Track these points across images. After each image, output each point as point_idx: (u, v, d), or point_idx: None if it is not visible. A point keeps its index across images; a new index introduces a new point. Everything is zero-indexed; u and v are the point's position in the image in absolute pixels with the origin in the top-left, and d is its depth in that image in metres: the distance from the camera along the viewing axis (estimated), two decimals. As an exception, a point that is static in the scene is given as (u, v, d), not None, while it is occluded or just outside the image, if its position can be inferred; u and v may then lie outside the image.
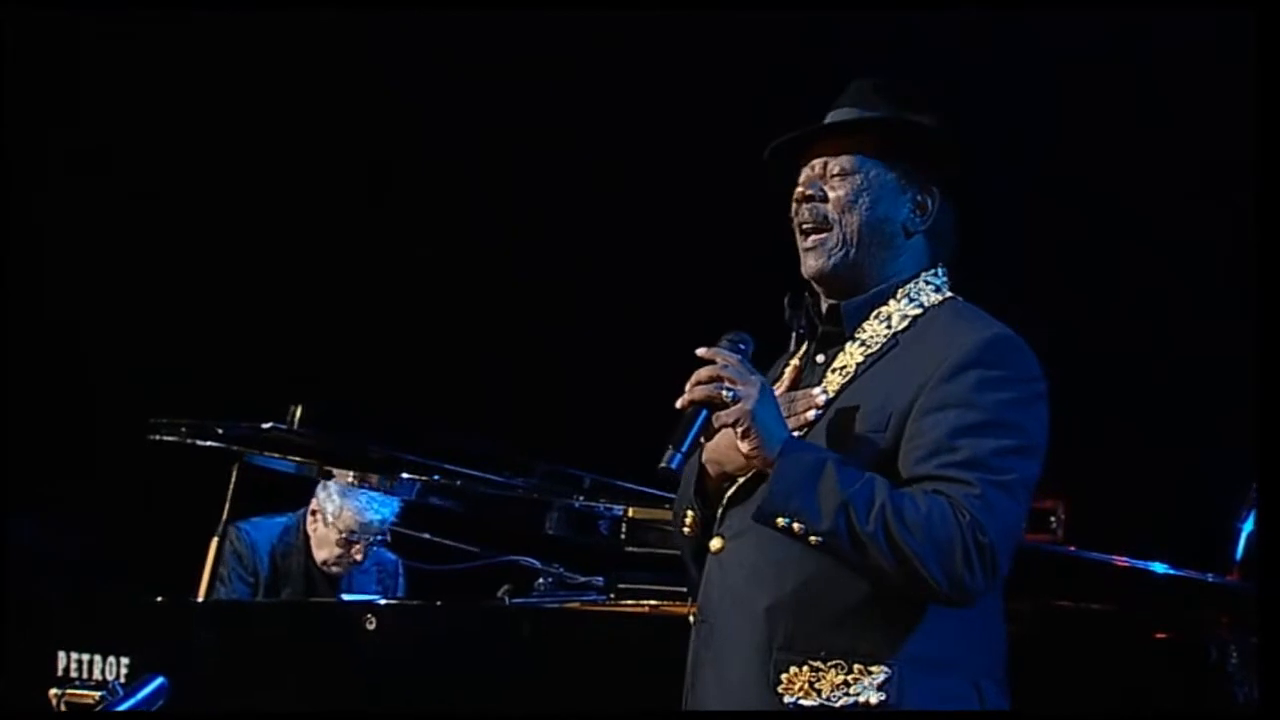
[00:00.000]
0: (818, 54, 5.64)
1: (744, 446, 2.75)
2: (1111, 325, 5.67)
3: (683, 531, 3.01)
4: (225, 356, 6.64)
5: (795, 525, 2.69)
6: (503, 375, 6.46)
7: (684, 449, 2.73)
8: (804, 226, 2.93)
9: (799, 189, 2.94)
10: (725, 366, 2.76)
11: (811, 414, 2.84)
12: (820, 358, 2.94)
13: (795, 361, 3.02)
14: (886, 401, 2.78)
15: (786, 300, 2.97)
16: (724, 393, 2.74)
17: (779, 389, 2.94)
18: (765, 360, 2.98)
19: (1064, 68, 5.82)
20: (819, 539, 2.69)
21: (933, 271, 2.94)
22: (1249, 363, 3.33)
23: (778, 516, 2.71)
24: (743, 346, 2.84)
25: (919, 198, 2.92)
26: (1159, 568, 4.33)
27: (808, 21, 5.93)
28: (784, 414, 2.82)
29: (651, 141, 6.19)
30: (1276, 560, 3.22)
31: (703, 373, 2.77)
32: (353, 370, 6.51)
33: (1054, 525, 4.63)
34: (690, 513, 2.98)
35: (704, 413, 2.76)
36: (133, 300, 6.78)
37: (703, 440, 2.80)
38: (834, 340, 2.92)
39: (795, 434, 2.81)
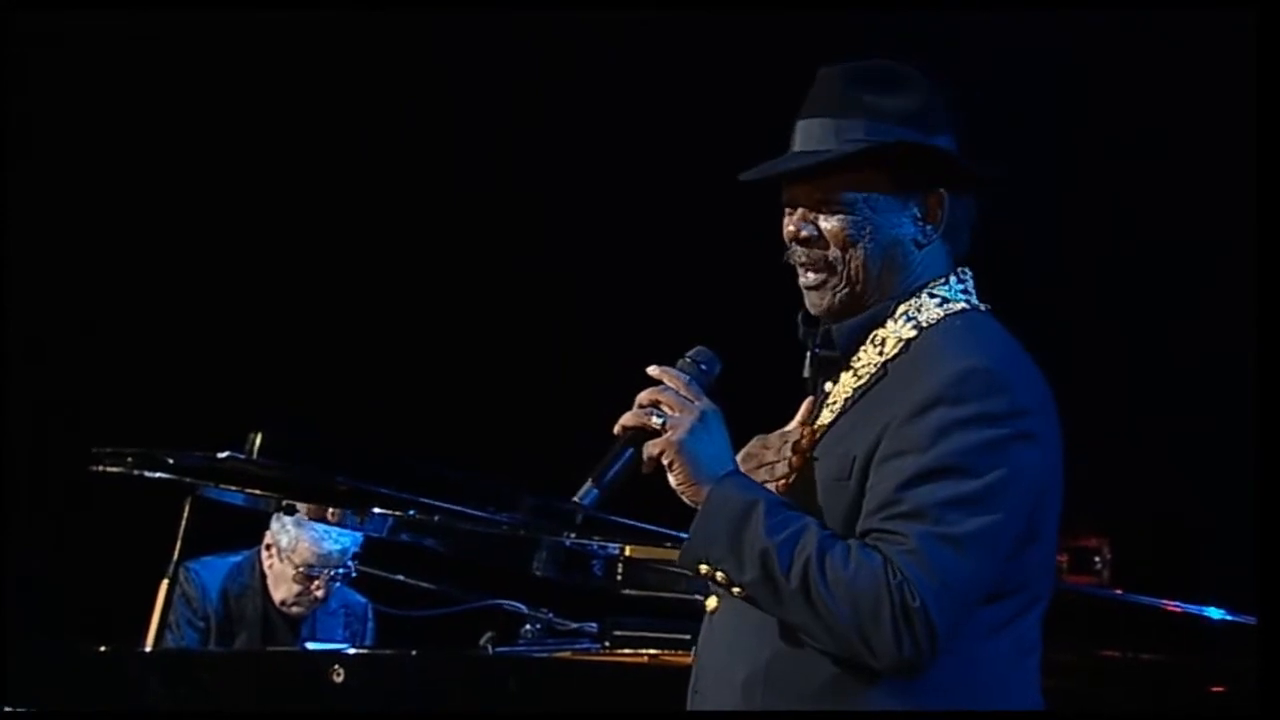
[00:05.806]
0: (817, 54, 5.50)
1: (671, 480, 2.57)
2: (1160, 348, 5.58)
3: None
4: (176, 378, 6.55)
5: (718, 574, 2.51)
6: (485, 400, 6.41)
7: (603, 483, 2.56)
8: (803, 265, 2.64)
9: (790, 228, 2.63)
10: (665, 388, 2.57)
11: (796, 456, 2.62)
12: (828, 386, 2.68)
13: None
14: (853, 445, 2.55)
15: (800, 316, 2.67)
16: (653, 419, 2.55)
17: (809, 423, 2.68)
18: (766, 380, 2.81)
19: (1062, 68, 5.84)
20: (742, 591, 2.51)
21: (944, 282, 2.62)
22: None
23: (699, 564, 2.53)
24: (704, 367, 2.63)
25: (924, 205, 2.61)
26: (1215, 613, 4.30)
27: (807, 22, 5.91)
28: (775, 456, 2.63)
29: (651, 144, 6.18)
30: (1277, 563, 3.21)
31: (643, 395, 2.58)
32: (318, 393, 6.42)
33: (1098, 566, 4.63)
34: None
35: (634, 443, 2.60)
36: (76, 315, 6.68)
37: (644, 472, 2.59)
38: (837, 366, 2.68)
39: (781, 481, 2.61)
